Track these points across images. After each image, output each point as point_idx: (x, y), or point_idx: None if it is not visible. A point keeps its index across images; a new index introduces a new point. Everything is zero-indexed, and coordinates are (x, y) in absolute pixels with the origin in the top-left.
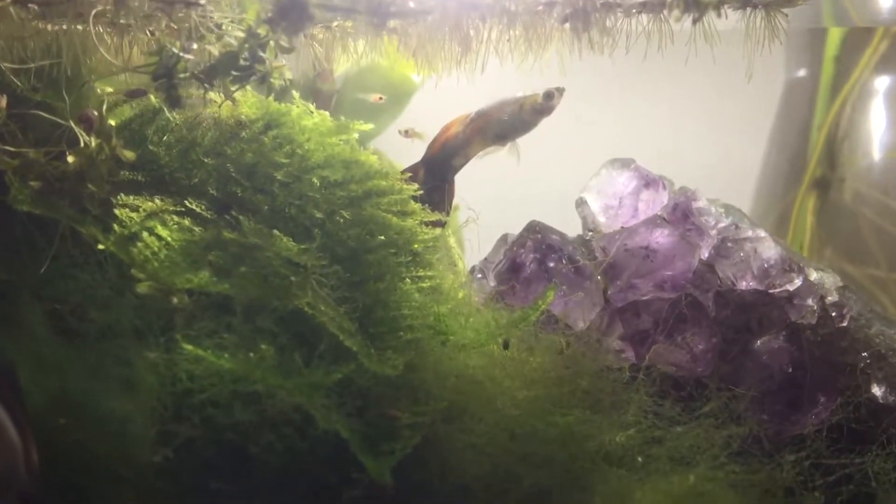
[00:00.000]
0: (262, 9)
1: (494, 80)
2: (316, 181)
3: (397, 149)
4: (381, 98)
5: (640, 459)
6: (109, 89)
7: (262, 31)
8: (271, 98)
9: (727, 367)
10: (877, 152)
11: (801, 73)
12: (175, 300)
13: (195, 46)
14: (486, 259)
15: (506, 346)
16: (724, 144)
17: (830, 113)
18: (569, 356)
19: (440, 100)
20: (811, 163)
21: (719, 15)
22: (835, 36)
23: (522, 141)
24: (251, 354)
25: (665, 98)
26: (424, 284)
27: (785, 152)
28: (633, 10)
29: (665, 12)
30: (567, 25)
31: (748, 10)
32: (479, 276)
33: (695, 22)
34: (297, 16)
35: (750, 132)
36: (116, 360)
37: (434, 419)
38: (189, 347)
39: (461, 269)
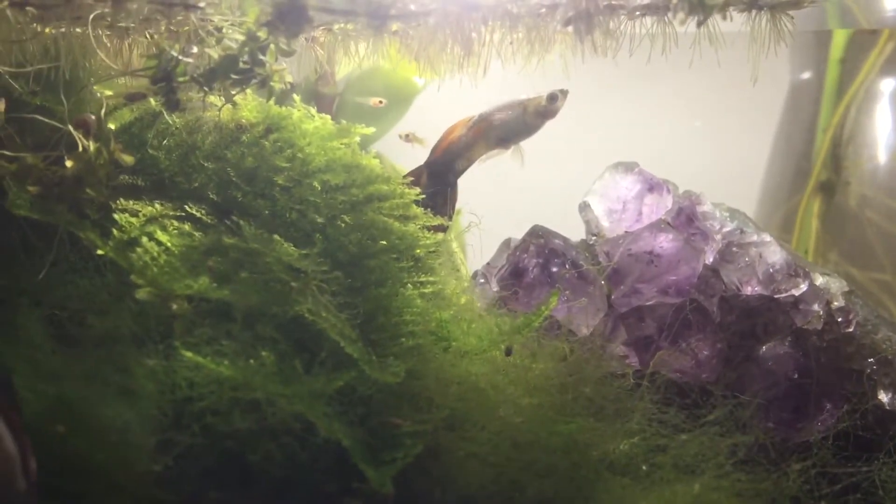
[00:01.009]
0: (261, 11)
1: (499, 82)
2: (317, 185)
3: (403, 151)
4: (381, 102)
5: (644, 468)
6: (109, 92)
7: (261, 34)
8: (272, 101)
9: (732, 374)
10: (882, 155)
11: (806, 75)
12: (174, 306)
13: (195, 50)
14: (488, 264)
15: (508, 352)
16: (728, 146)
17: (835, 116)
18: (572, 363)
19: (444, 102)
20: (816, 166)
21: (725, 17)
22: (839, 38)
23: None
24: (251, 361)
25: (668, 99)
26: (427, 290)
27: (790, 155)
28: (637, 13)
29: (669, 14)
30: (570, 28)
31: (753, 12)
32: (482, 281)
33: (700, 24)
34: (295, 18)
35: (755, 134)
36: (115, 367)
37: (436, 427)
38: (188, 354)
39: (464, 274)
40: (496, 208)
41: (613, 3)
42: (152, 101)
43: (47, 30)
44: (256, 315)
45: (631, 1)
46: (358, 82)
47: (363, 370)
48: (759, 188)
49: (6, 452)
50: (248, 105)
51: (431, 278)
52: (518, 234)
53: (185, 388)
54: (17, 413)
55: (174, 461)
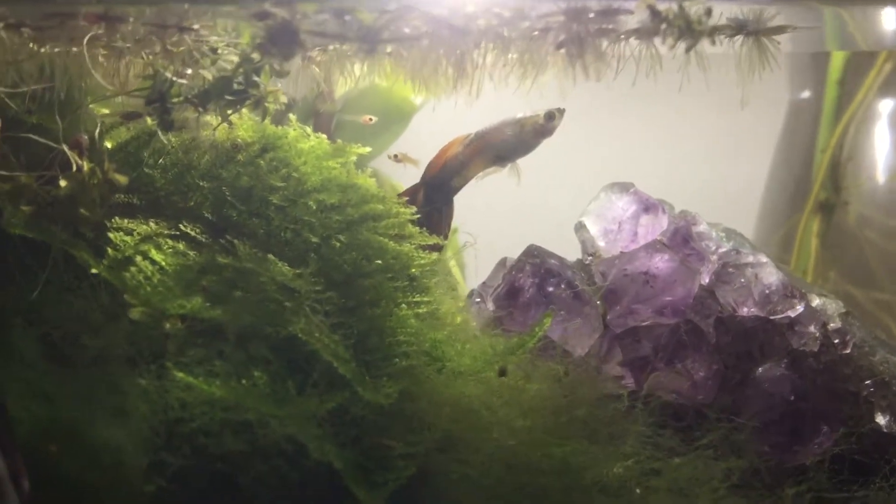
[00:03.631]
0: (253, 34)
1: (495, 100)
2: (312, 205)
3: (401, 168)
4: (370, 119)
5: (638, 491)
6: (106, 111)
7: (256, 55)
8: (268, 121)
9: (728, 395)
10: (881, 175)
11: (805, 94)
12: (168, 326)
13: (189, 71)
14: (484, 283)
15: (502, 373)
16: (727, 166)
17: (834, 136)
18: (567, 384)
19: (442, 119)
20: (815, 186)
21: (713, 43)
22: (838, 59)
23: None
24: (243, 382)
25: (667, 118)
26: (421, 310)
27: (789, 174)
28: (627, 36)
29: (658, 39)
30: (562, 51)
31: (740, 37)
32: (478, 300)
33: (688, 50)
34: (287, 41)
35: (754, 154)
36: (108, 387)
37: (429, 449)
38: (180, 375)
39: (461, 293)
40: (496, 226)
41: (605, 26)
42: (149, 119)
43: (43, 50)
44: (249, 335)
45: (621, 25)
46: (356, 100)
47: (356, 391)
48: (758, 207)
49: None
50: (244, 124)
51: (426, 298)
52: (516, 253)
53: (178, 409)
54: (8, 433)
55: (167, 482)
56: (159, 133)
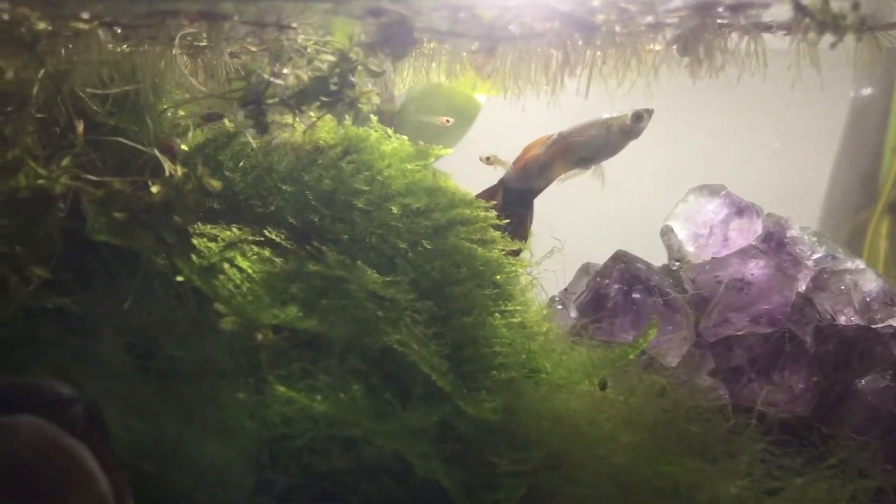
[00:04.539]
0: (362, 31)
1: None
2: (396, 209)
3: (458, 170)
4: (448, 121)
5: None
6: (181, 112)
7: (353, 54)
8: (348, 122)
9: (828, 408)
10: None
11: (870, 90)
12: (259, 336)
13: (285, 71)
14: (566, 290)
15: (603, 386)
16: (786, 162)
17: None
18: (672, 398)
19: (504, 121)
20: (886, 186)
21: (859, 39)
22: None
23: None
24: (342, 396)
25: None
26: (514, 319)
27: (855, 171)
28: (756, 31)
29: (798, 34)
30: (675, 47)
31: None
32: (560, 307)
33: (833, 46)
34: (401, 40)
35: (814, 150)
36: (206, 401)
37: (536, 466)
38: (282, 389)
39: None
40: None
41: (722, 21)
42: (226, 121)
43: (125, 48)
44: (344, 346)
45: (750, 18)
46: (418, 100)
47: (456, 405)
48: (821, 205)
49: (100, 493)
50: (325, 125)
51: (517, 307)
52: (583, 258)
53: (280, 425)
54: (109, 450)
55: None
56: (244, 134)
